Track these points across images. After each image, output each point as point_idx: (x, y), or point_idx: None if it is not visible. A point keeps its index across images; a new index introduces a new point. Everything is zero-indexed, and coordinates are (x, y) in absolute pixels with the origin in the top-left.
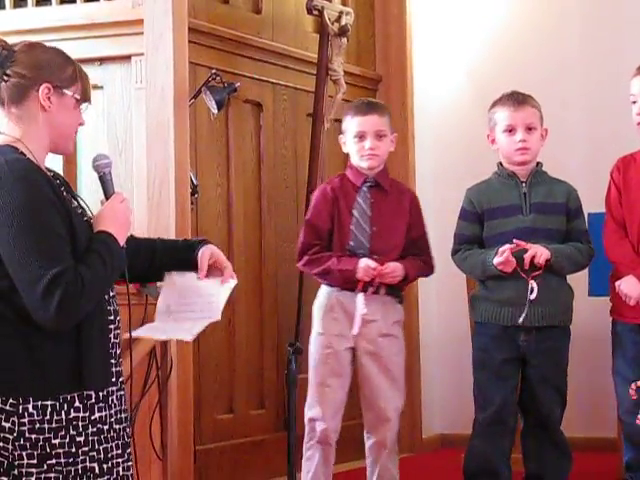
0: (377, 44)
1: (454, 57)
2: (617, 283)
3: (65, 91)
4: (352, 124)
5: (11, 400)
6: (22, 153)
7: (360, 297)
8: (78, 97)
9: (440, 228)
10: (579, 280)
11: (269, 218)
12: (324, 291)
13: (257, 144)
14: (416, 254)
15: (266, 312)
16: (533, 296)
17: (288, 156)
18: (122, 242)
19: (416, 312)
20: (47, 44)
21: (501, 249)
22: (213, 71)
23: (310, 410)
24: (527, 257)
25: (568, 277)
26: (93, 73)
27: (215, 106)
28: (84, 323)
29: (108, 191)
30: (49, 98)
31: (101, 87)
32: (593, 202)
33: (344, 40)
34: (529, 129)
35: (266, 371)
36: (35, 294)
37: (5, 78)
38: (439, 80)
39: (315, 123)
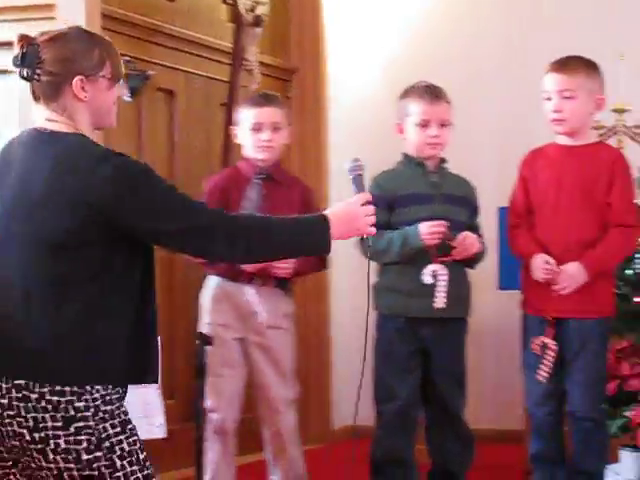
0: (292, 35)
1: (369, 50)
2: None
3: (97, 76)
4: (248, 116)
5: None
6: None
7: (250, 290)
8: (110, 77)
9: None
10: (488, 274)
11: None
12: (212, 282)
13: (169, 133)
14: None
15: (177, 302)
16: (444, 279)
17: (201, 145)
18: (338, 235)
19: (327, 303)
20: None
21: (424, 223)
22: (126, 58)
23: (206, 401)
24: (466, 243)
25: (478, 270)
26: (4, 58)
27: (128, 93)
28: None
29: (358, 191)
30: (83, 88)
31: (12, 72)
32: (503, 197)
33: (259, 30)
34: (442, 125)
35: (176, 361)
36: (206, 233)
37: (36, 77)
38: (354, 73)
39: (229, 113)
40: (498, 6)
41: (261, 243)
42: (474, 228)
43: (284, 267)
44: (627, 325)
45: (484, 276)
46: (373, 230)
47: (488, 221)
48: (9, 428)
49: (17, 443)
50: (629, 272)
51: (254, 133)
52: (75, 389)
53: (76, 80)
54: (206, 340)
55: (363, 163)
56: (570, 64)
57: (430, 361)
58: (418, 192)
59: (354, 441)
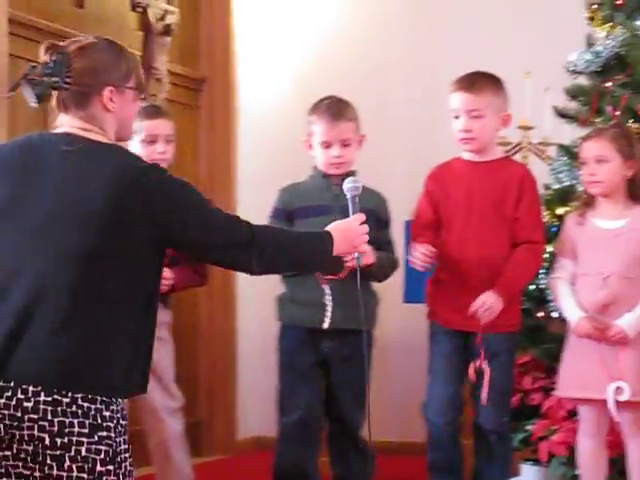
0: (202, 45)
1: (279, 61)
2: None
3: (124, 87)
4: (141, 128)
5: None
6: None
7: None
8: (135, 89)
9: None
10: (394, 287)
11: None
12: None
13: None
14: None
15: None
16: (329, 300)
17: None
18: (337, 252)
19: (234, 314)
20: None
21: None
22: (33, 64)
23: None
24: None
25: (384, 284)
26: None
27: (35, 100)
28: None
29: (353, 211)
30: (111, 99)
31: None
32: (411, 209)
33: (168, 39)
34: (345, 145)
35: None
36: (245, 246)
37: (66, 86)
38: (264, 83)
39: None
40: (408, 20)
41: (283, 257)
42: (381, 241)
43: (163, 283)
44: (530, 340)
45: (390, 290)
46: (366, 248)
47: (395, 234)
48: (27, 432)
49: (30, 448)
50: (532, 287)
51: (147, 145)
52: (104, 398)
53: (106, 91)
54: None
55: (360, 184)
56: (477, 83)
57: (330, 373)
58: (318, 204)
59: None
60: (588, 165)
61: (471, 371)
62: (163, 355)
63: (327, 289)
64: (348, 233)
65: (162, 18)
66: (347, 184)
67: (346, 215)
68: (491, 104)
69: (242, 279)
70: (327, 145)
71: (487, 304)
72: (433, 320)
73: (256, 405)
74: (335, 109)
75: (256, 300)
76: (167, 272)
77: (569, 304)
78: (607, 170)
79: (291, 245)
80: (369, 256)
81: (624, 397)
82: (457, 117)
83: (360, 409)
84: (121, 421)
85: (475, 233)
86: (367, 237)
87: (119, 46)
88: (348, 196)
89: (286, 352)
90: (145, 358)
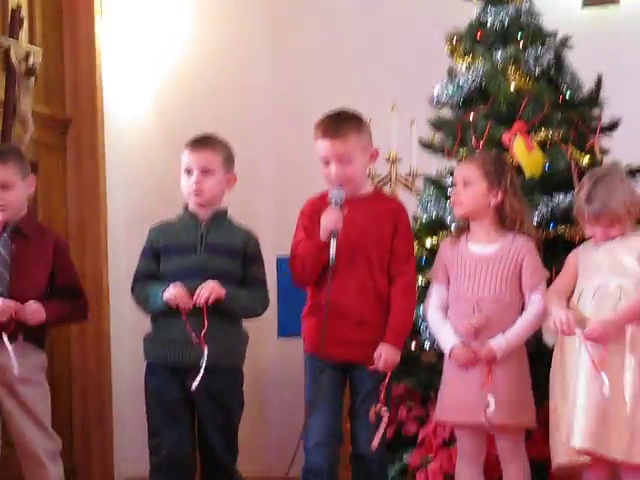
0: (67, 84)
1: (146, 95)
2: None
3: None
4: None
5: None
6: None
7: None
8: None
9: (131, 269)
10: (269, 323)
11: None
12: None
13: None
14: (68, 298)
15: None
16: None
17: None
18: None
19: (109, 354)
20: None
21: (175, 283)
22: None
23: None
24: (201, 292)
25: (259, 320)
26: None
27: None
28: None
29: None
30: None
31: None
32: (282, 246)
33: (32, 80)
34: (205, 172)
35: None
36: None
37: None
38: (130, 118)
39: None
40: (272, 50)
41: None
42: (249, 278)
43: (31, 313)
44: (403, 370)
45: (265, 325)
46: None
47: (267, 271)
48: None
49: None
50: None
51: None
52: None
53: None
54: None
55: (343, 194)
56: (341, 128)
57: (197, 411)
58: (182, 242)
59: None
60: (456, 186)
61: (372, 414)
62: (37, 398)
63: (190, 329)
64: None
65: (25, 58)
66: (333, 189)
67: (212, 253)
68: (358, 145)
69: (115, 320)
70: (188, 171)
71: (385, 356)
72: (310, 353)
73: (132, 446)
74: (201, 139)
75: (130, 340)
76: (34, 304)
77: (443, 331)
78: (470, 193)
79: None
80: (217, 290)
81: (490, 409)
82: (327, 163)
83: (230, 445)
84: None
85: (355, 269)
86: None
87: None
88: (331, 201)
89: (153, 391)
90: None
